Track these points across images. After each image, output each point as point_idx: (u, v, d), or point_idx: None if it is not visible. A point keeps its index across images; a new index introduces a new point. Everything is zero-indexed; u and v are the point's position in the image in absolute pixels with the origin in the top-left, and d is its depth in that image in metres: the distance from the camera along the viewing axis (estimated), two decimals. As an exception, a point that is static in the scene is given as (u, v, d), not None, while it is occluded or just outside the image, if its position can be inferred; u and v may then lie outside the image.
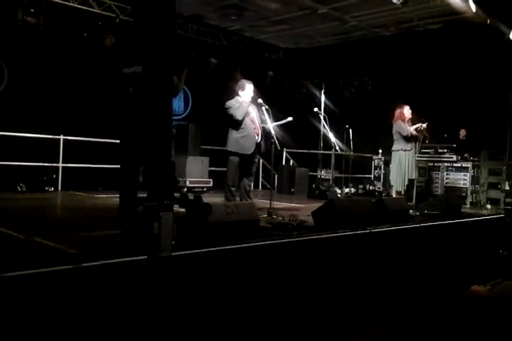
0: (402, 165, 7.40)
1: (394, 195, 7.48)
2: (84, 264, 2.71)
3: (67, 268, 2.64)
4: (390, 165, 7.76)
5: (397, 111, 7.56)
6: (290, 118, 5.83)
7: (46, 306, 2.48)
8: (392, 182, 7.59)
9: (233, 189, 5.70)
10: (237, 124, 5.68)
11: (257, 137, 5.76)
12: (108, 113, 7.03)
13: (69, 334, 2.53)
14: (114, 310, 2.70)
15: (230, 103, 5.72)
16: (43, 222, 4.65)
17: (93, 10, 8.53)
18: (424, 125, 7.44)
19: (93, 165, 8.19)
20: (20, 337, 2.37)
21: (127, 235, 3.28)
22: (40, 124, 7.82)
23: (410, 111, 7.55)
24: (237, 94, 5.83)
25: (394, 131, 7.49)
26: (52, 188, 7.78)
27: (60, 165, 7.99)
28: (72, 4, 8.26)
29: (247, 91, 5.79)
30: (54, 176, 7.96)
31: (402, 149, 7.41)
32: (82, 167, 8.16)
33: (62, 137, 8.02)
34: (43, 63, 8.01)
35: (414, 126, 7.45)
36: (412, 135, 7.38)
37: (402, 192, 7.39)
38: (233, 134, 5.70)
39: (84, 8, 8.41)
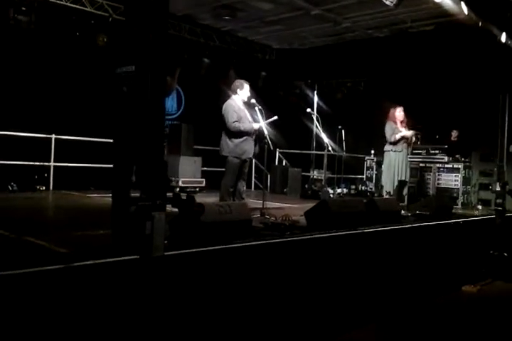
0: (392, 165, 7.41)
1: (385, 196, 7.51)
2: (76, 264, 2.70)
3: (57, 267, 2.63)
4: (382, 166, 7.79)
5: (390, 112, 7.59)
6: (276, 117, 5.84)
7: (37, 306, 2.47)
8: (383, 183, 7.62)
9: (231, 190, 5.68)
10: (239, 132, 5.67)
11: (253, 139, 5.79)
12: (101, 112, 7.02)
13: (59, 334, 2.52)
14: (105, 310, 2.69)
15: (231, 116, 5.60)
16: (34, 222, 4.63)
17: (85, 9, 8.48)
18: (410, 133, 7.43)
19: (85, 165, 8.15)
20: (9, 337, 2.36)
21: (120, 235, 3.27)
22: (32, 123, 7.78)
23: (403, 113, 7.56)
24: (235, 94, 5.82)
25: (385, 131, 7.52)
26: (44, 187, 7.74)
27: (52, 164, 7.95)
28: (64, 3, 8.21)
29: (245, 90, 5.83)
30: (45, 175, 7.92)
31: (392, 150, 7.44)
32: (74, 166, 8.11)
33: (54, 136, 7.98)
34: (35, 62, 7.96)
35: (402, 134, 7.44)
36: (395, 141, 7.37)
37: (392, 193, 7.41)
38: (233, 139, 5.64)
39: (77, 6, 8.37)
